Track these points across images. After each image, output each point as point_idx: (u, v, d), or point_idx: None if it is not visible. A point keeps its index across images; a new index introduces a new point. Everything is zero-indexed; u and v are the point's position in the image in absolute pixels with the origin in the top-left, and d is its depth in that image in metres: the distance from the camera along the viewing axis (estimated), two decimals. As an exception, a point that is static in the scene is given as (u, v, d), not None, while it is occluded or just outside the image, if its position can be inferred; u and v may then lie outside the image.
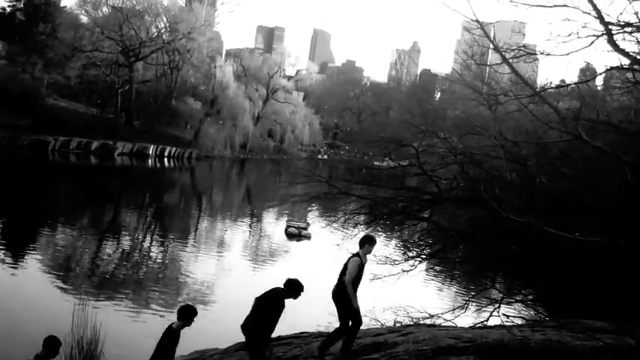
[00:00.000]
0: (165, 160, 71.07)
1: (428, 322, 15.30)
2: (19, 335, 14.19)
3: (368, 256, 9.61)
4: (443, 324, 15.13)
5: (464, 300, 18.67)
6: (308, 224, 34.44)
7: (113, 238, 30.35)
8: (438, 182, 17.63)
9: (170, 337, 8.72)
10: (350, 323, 8.95)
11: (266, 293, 8.85)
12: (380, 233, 18.71)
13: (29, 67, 61.69)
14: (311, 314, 17.28)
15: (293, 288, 8.77)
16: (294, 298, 8.79)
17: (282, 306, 8.68)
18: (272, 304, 8.59)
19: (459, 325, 14.35)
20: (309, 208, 30.52)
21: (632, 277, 13.07)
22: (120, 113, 74.86)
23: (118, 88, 73.51)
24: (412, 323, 15.06)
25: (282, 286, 8.80)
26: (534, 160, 16.51)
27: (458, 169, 17.25)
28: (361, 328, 9.44)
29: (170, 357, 8.78)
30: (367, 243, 9.33)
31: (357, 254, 9.26)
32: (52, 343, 8.49)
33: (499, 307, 16.34)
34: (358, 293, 9.15)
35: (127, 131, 70.43)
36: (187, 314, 8.81)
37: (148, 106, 78.37)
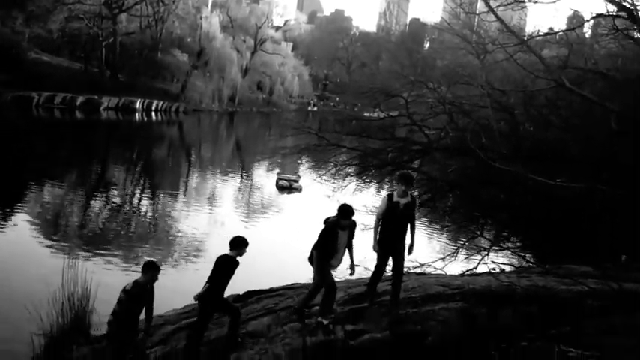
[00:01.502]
0: (153, 114, 70.45)
1: (418, 270, 15.54)
2: (10, 292, 14.23)
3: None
4: (433, 272, 15.39)
5: (453, 249, 18.95)
6: (299, 177, 34.50)
7: (102, 194, 30.27)
8: (427, 132, 17.70)
9: (228, 264, 8.78)
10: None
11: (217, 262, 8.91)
12: (370, 184, 18.79)
13: (10, 21, 60.29)
14: (301, 266, 17.49)
15: (237, 245, 8.85)
16: (241, 255, 8.87)
17: (233, 265, 8.80)
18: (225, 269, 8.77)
19: (448, 273, 14.59)
20: (300, 161, 30.67)
21: (615, 223, 13.34)
22: (104, 67, 73.56)
23: (102, 41, 72.09)
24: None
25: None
26: (522, 108, 16.58)
27: (447, 119, 17.31)
28: (352, 277, 9.52)
29: (226, 284, 8.90)
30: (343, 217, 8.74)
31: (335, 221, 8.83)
32: (151, 267, 8.52)
33: (487, 254, 16.66)
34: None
35: (113, 85, 69.35)
36: (239, 244, 8.92)
37: (133, 59, 77.15)
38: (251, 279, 12.86)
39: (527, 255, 19.81)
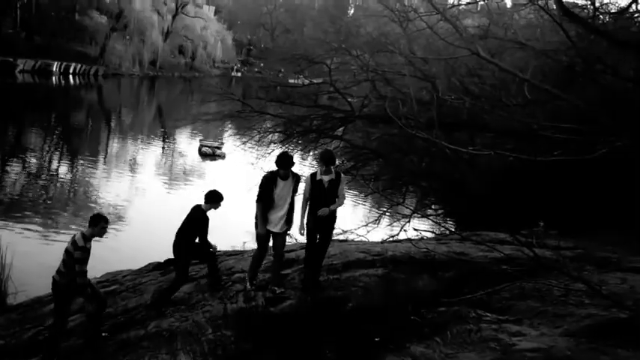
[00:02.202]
0: (71, 77, 67.77)
1: (341, 237, 15.71)
2: None
3: None
4: (356, 239, 15.58)
5: (376, 216, 19.26)
6: (222, 144, 34.14)
7: (18, 160, 29.08)
8: (350, 100, 17.75)
9: (202, 216, 8.60)
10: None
11: (189, 216, 8.79)
12: (295, 152, 18.73)
13: None
14: (226, 234, 17.39)
15: (213, 198, 8.68)
16: (215, 208, 8.74)
17: (207, 219, 8.69)
18: (200, 223, 8.64)
19: (370, 240, 14.80)
20: (223, 128, 30.28)
21: (533, 191, 13.85)
22: (19, 28, 70.00)
23: (16, 1, 68.51)
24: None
25: (201, 203, 8.72)
26: (443, 77, 16.82)
27: (370, 87, 17.40)
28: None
29: (205, 237, 8.74)
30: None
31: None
32: (98, 219, 7.95)
33: (409, 221, 17.01)
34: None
35: (28, 47, 65.96)
36: (215, 197, 8.67)
37: (49, 20, 73.54)
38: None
39: (449, 223, 20.37)
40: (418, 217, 18.77)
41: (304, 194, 8.57)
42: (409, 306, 7.50)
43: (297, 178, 8.77)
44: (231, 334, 7.23)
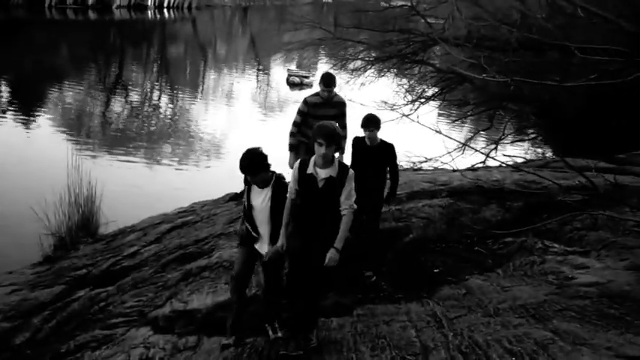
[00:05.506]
0: (165, 11, 69.08)
1: (426, 165, 15.43)
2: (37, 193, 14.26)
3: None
4: (440, 167, 15.25)
5: (461, 143, 18.71)
6: (310, 72, 34.04)
7: (120, 94, 30.28)
8: (433, 22, 17.11)
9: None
10: None
11: None
12: (377, 78, 18.39)
13: None
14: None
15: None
16: None
17: None
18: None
19: (457, 168, 14.45)
20: (309, 57, 30.09)
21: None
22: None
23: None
24: (409, 168, 15.18)
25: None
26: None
27: (453, 8, 16.64)
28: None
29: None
30: None
31: None
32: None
33: (496, 148, 16.44)
34: None
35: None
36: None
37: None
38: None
39: (543, 148, 19.54)
40: (509, 143, 18.18)
41: (289, 194, 5.23)
42: (474, 237, 7.31)
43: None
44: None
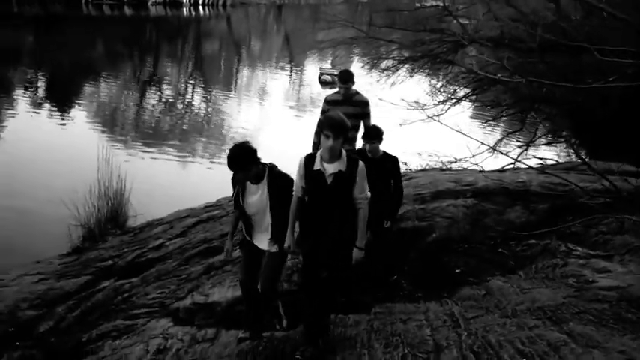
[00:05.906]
0: (200, 8, 69.70)
1: (455, 166, 15.33)
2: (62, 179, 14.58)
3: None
4: (469, 167, 15.14)
5: (490, 144, 18.51)
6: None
7: (154, 90, 30.66)
8: (465, 23, 16.97)
9: None
10: None
11: None
12: (409, 77, 18.35)
13: None
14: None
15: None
16: None
17: None
18: None
19: (485, 169, 14.34)
20: (341, 55, 30.05)
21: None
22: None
23: None
24: (437, 167, 15.14)
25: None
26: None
27: (485, 9, 16.51)
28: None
29: None
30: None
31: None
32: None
33: (527, 149, 16.26)
34: None
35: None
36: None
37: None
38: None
39: (575, 150, 19.18)
40: (544, 144, 17.96)
41: (295, 192, 5.00)
42: (497, 238, 7.26)
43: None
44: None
